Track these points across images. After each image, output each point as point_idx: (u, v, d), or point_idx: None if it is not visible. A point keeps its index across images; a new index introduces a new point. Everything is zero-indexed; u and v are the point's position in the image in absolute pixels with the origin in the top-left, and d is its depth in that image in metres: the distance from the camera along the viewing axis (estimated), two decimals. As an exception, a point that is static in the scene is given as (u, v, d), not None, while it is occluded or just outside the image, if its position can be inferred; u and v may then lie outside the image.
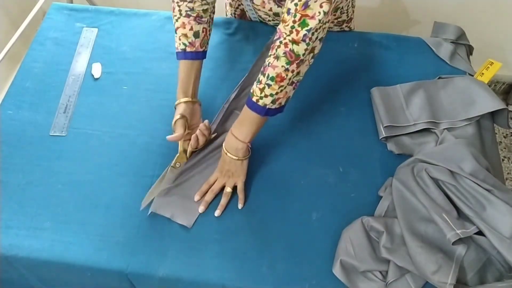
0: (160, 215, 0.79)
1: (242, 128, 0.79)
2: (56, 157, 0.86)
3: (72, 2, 1.40)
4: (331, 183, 0.84)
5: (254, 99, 0.75)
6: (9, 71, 1.52)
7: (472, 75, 0.98)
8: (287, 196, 0.83)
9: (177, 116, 0.83)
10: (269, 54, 0.73)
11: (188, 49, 0.84)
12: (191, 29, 0.84)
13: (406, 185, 0.77)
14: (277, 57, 0.71)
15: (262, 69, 0.74)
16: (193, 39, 0.84)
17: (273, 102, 0.74)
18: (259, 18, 1.03)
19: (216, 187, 0.82)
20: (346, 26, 1.06)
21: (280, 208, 0.81)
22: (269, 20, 1.01)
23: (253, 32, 1.05)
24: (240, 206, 0.81)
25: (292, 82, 0.74)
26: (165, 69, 1.00)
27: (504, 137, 1.71)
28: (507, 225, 0.69)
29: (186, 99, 0.85)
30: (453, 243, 0.69)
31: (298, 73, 0.73)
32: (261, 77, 0.74)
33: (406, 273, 0.71)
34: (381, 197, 0.81)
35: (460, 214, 0.73)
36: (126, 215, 0.80)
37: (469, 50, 1.06)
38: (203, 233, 0.78)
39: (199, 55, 0.86)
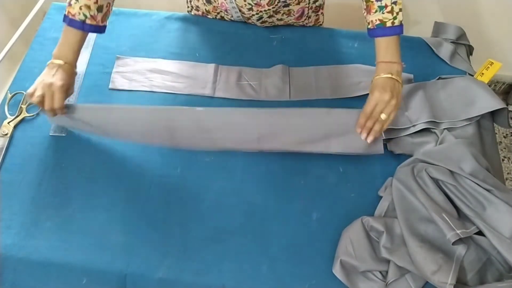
0: (159, 215, 0.80)
1: (389, 51, 0.81)
2: (56, 157, 0.86)
3: (72, 2, 1.40)
4: (331, 183, 0.84)
5: (388, 24, 0.80)
6: (9, 71, 1.51)
7: (472, 75, 0.98)
8: (287, 196, 0.83)
9: (65, 80, 0.80)
10: None
11: (88, 22, 0.82)
12: (96, 2, 0.82)
13: (406, 185, 0.77)
14: None
15: None
16: (96, 12, 0.83)
17: (402, 15, 0.81)
18: (242, 16, 1.02)
19: (377, 113, 0.79)
20: (321, 12, 1.08)
21: (280, 208, 0.81)
22: (252, 15, 1.00)
23: (253, 33, 1.06)
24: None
25: None
26: (165, 69, 0.99)
27: (504, 137, 1.71)
28: (507, 225, 0.69)
29: (71, 66, 0.83)
30: (453, 243, 0.69)
31: None
32: (382, 2, 0.80)
33: (406, 273, 0.71)
34: (381, 197, 0.81)
35: (460, 214, 0.73)
36: (126, 215, 0.80)
37: (469, 50, 1.06)
38: (203, 233, 0.78)
39: (101, 29, 0.86)
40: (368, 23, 0.83)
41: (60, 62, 0.81)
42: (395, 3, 0.80)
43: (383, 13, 0.80)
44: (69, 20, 0.82)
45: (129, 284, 0.76)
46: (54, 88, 0.78)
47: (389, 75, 0.80)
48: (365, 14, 0.84)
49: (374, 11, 0.81)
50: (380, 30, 0.81)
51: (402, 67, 0.82)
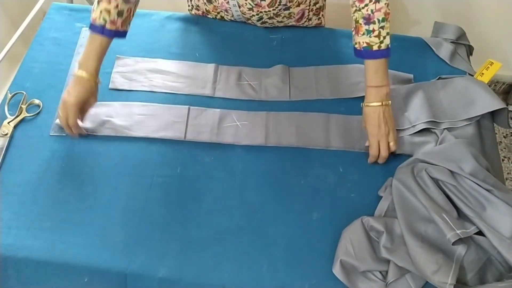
0: (159, 215, 0.80)
1: (378, 75, 0.83)
2: (56, 157, 0.86)
3: (72, 2, 1.40)
4: (331, 183, 0.84)
5: (375, 48, 0.81)
6: (9, 71, 1.51)
7: (472, 75, 0.98)
8: (287, 196, 0.83)
9: (79, 95, 0.80)
10: (362, 6, 0.80)
11: (108, 26, 0.82)
12: (116, 7, 0.81)
13: (406, 185, 0.77)
14: (377, 0, 0.79)
15: (363, 21, 0.81)
16: (115, 17, 0.82)
17: (390, 39, 0.82)
18: (243, 16, 1.02)
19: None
20: (322, 15, 1.08)
21: (280, 208, 0.81)
22: (252, 15, 1.00)
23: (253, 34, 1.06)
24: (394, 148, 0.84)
25: None
26: (165, 69, 0.99)
27: (504, 137, 1.71)
28: (507, 225, 0.69)
29: (91, 76, 0.82)
30: (453, 243, 0.69)
31: None
32: (370, 26, 0.80)
33: (406, 273, 0.71)
34: (381, 197, 0.81)
35: (460, 214, 0.73)
36: (126, 215, 0.80)
37: (469, 50, 1.06)
38: (203, 233, 0.78)
39: (121, 34, 0.85)
40: (356, 43, 0.84)
41: (81, 73, 0.82)
42: (382, 27, 0.80)
43: (370, 36, 0.81)
44: (90, 25, 0.82)
45: (129, 284, 0.76)
46: (68, 105, 0.80)
47: (379, 103, 0.82)
48: (353, 33, 0.85)
49: (361, 33, 0.82)
50: (367, 52, 0.82)
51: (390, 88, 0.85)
